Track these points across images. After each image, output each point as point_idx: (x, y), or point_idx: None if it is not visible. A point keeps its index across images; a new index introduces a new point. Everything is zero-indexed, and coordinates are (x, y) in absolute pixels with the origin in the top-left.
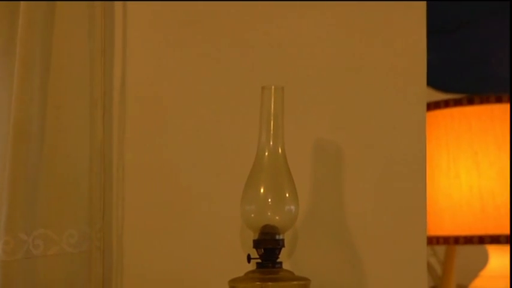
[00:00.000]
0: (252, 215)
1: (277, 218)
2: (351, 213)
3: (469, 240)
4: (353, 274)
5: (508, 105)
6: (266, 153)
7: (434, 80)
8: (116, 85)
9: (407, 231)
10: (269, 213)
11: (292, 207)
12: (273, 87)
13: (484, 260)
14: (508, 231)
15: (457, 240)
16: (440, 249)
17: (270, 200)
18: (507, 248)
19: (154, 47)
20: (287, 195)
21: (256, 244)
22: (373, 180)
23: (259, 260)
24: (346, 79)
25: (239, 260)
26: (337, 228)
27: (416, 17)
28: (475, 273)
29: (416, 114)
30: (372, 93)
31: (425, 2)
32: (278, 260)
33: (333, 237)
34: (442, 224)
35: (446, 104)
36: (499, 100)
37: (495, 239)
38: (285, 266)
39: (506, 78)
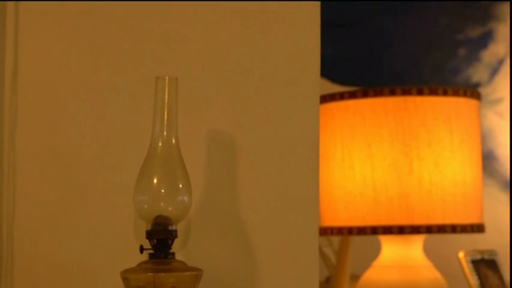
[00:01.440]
0: (145, 206)
1: (170, 208)
2: (245, 203)
3: (362, 230)
4: (246, 264)
5: (400, 98)
6: (160, 144)
7: (331, 73)
8: (8, 76)
9: (299, 222)
10: (162, 204)
11: (186, 198)
12: (167, 77)
13: (377, 250)
14: (400, 222)
15: (350, 231)
16: (336, 239)
17: (163, 190)
18: (399, 238)
19: (47, 39)
20: (180, 186)
21: (149, 235)
22: (266, 171)
23: (151, 251)
24: (240, 70)
25: (132, 250)
26: (230, 219)
27: (310, 10)
28: (369, 263)
29: (309, 106)
30: (265, 85)
31: None
32: (171, 251)
33: (226, 227)
34: (336, 214)
35: (341, 96)
36: (392, 93)
37: (387, 230)
38: (178, 256)
39: (400, 71)
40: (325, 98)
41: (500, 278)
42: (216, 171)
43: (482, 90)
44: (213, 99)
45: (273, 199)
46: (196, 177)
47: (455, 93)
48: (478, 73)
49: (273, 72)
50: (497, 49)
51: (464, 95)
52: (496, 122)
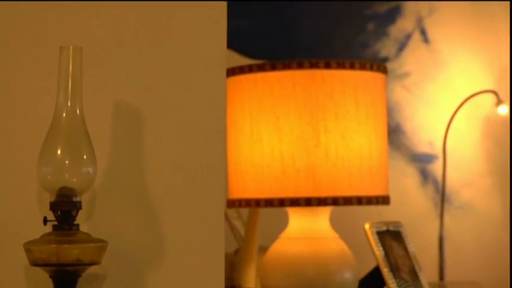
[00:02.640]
0: (49, 177)
1: (74, 180)
2: (150, 175)
3: (269, 202)
4: (151, 235)
5: (308, 71)
6: (64, 115)
7: (242, 46)
8: None
9: (206, 193)
10: (66, 175)
11: (90, 169)
12: (71, 47)
13: (286, 222)
14: (307, 194)
15: (258, 203)
16: (246, 212)
17: (67, 161)
18: (305, 210)
19: None
20: (85, 157)
21: (53, 206)
22: (172, 143)
23: (55, 223)
24: (146, 42)
25: (36, 222)
26: (136, 190)
27: None
28: (277, 235)
29: (216, 79)
30: (172, 56)
31: None
32: (75, 222)
33: (131, 199)
34: (244, 186)
35: (250, 69)
36: (300, 66)
37: (295, 202)
38: (83, 228)
39: (309, 45)
40: (234, 71)
41: (405, 248)
42: (121, 142)
43: (390, 65)
44: (118, 70)
45: (179, 171)
46: (102, 149)
47: (362, 67)
48: (386, 48)
49: (179, 44)
50: (404, 24)
51: (371, 68)
52: (403, 96)
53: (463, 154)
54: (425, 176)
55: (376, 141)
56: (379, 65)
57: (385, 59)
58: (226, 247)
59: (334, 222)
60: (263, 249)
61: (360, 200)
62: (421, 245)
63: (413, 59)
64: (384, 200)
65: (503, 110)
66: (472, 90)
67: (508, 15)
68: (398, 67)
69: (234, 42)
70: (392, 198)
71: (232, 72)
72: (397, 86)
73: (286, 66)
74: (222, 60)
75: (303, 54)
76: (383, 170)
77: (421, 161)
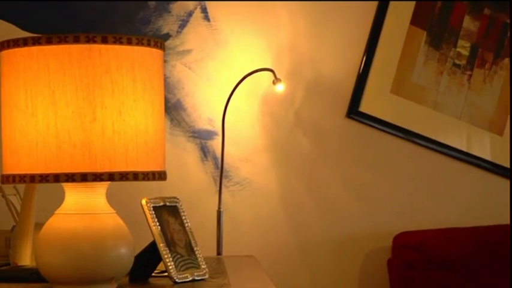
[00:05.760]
0: None
1: None
2: None
3: (44, 178)
4: None
5: (85, 46)
6: None
7: (22, 21)
8: None
9: None
10: None
11: None
12: None
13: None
14: (83, 170)
15: (33, 178)
16: (24, 188)
17: None
18: (82, 186)
19: None
20: None
21: None
22: None
23: None
24: None
25: None
26: None
27: None
28: (54, 211)
29: None
30: None
31: None
32: None
33: None
34: (19, 162)
35: (25, 42)
36: (76, 40)
37: (70, 177)
38: None
39: (90, 20)
40: (9, 44)
41: (182, 224)
42: None
43: (172, 42)
44: None
45: None
46: None
47: (140, 43)
48: (167, 25)
49: None
50: (186, 2)
51: (148, 44)
52: (185, 72)
53: (241, 131)
54: (205, 152)
55: (153, 117)
56: (157, 40)
57: (167, 36)
58: (3, 224)
59: (114, 198)
60: (40, 226)
61: (136, 176)
62: (200, 220)
63: (194, 36)
64: (160, 176)
65: (280, 87)
66: (251, 68)
67: None
68: (180, 44)
69: (13, 15)
70: (173, 174)
71: (6, 45)
72: (179, 63)
73: (63, 40)
74: None
75: (84, 28)
76: (160, 146)
77: (201, 138)
